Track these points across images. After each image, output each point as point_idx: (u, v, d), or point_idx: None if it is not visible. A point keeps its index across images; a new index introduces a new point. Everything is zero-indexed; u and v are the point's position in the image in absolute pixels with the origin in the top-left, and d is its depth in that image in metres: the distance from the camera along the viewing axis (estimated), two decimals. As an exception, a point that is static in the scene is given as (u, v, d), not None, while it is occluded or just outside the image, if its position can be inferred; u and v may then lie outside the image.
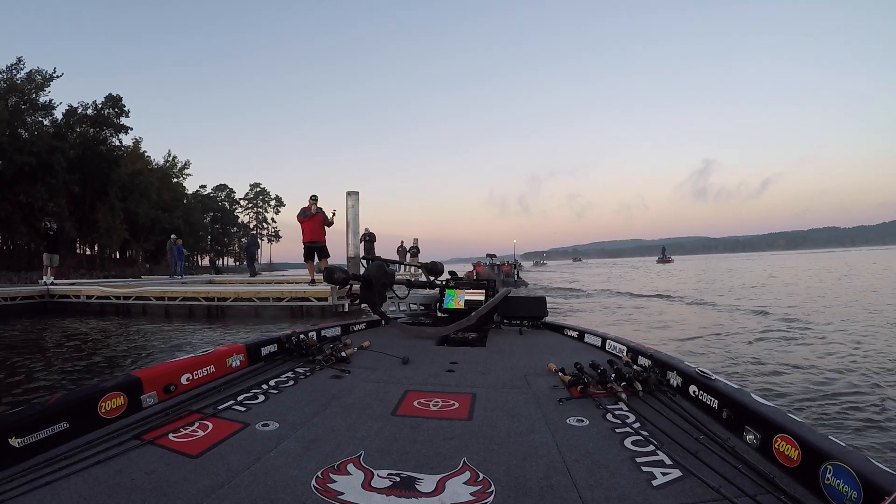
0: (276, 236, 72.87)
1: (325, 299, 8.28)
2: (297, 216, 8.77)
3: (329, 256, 9.01)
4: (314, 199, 8.75)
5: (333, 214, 8.84)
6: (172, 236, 15.85)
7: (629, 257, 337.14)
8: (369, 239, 15.56)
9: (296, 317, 8.52)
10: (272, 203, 72.05)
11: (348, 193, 9.23)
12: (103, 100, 34.20)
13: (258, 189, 70.65)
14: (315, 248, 8.84)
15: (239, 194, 68.57)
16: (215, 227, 59.25)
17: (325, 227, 8.83)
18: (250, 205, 69.83)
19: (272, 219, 72.47)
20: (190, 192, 51.50)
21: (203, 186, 62.23)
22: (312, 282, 9.18)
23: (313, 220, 8.63)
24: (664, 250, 70.05)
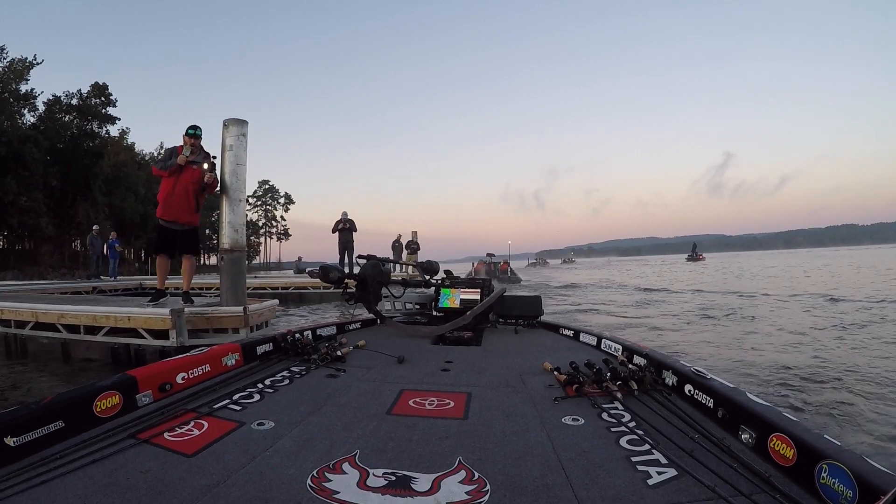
0: (285, 234, 70.51)
1: (166, 335, 4.44)
2: (155, 165, 4.63)
3: (198, 253, 5.16)
4: (192, 134, 4.53)
5: (212, 164, 4.60)
6: (95, 227, 12.54)
7: (647, 255, 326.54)
8: (348, 227, 11.89)
9: (119, 363, 4.77)
10: (281, 201, 69.96)
11: (226, 123, 4.80)
12: (89, 88, 31.60)
13: (267, 186, 68.34)
14: (176, 232, 4.60)
15: (247, 192, 66.08)
16: (220, 225, 56.87)
17: (203, 195, 4.68)
18: (259, 202, 67.57)
19: (281, 217, 70.26)
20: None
21: (209, 184, 59.88)
22: (158, 294, 5.03)
23: (181, 176, 4.44)
24: (695, 247, 65.22)
